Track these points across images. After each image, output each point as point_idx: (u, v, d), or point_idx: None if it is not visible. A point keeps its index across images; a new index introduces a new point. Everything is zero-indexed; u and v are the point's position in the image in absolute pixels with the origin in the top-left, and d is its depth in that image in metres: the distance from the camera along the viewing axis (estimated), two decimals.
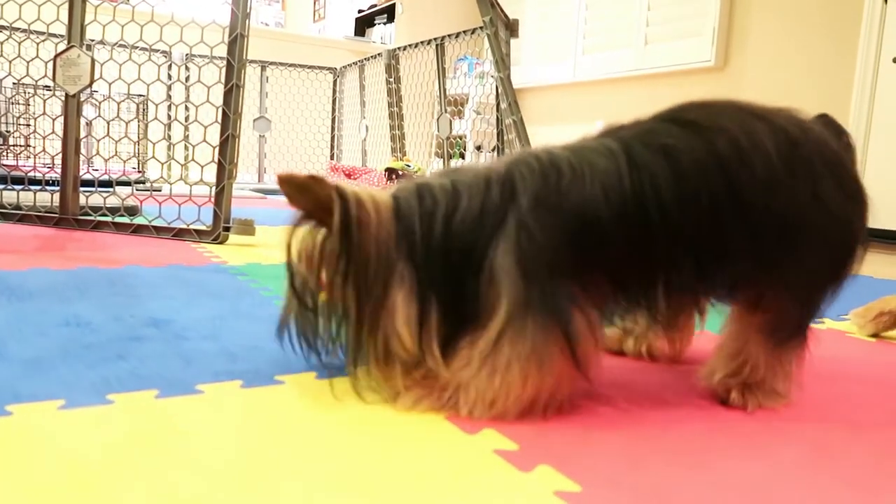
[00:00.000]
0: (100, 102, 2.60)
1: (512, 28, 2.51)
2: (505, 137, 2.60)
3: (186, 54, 2.89)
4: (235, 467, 0.48)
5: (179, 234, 1.68)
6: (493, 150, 2.96)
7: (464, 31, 3.06)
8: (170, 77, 3.27)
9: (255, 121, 4.07)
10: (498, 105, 2.56)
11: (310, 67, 4.25)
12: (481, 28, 2.47)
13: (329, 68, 4.32)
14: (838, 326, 1.06)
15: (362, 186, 0.62)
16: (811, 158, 0.65)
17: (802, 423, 0.64)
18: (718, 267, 0.65)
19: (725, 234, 0.63)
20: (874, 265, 1.97)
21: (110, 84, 1.83)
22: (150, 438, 0.52)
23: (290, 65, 4.18)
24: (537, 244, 0.60)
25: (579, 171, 0.62)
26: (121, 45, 1.88)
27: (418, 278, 0.61)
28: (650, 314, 0.67)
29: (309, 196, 0.61)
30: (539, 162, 0.63)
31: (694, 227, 0.63)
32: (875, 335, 1.01)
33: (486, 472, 0.49)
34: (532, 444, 0.55)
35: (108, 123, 1.89)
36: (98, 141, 2.11)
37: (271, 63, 4.14)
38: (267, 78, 4.16)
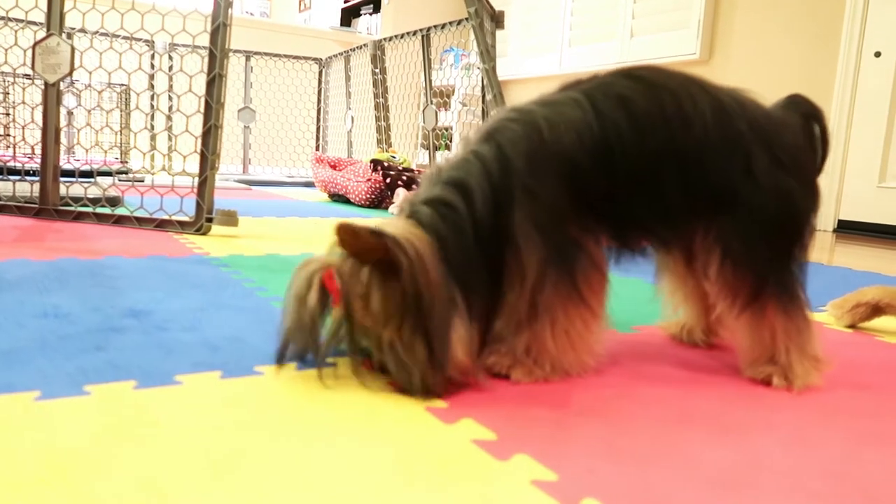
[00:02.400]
0: (80, 91, 2.57)
1: (498, 19, 2.51)
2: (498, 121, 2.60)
3: (169, 44, 2.86)
4: (212, 458, 0.48)
5: (161, 224, 1.66)
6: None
7: (450, 23, 3.05)
8: (153, 66, 3.23)
9: (239, 111, 4.04)
10: (483, 97, 2.56)
11: (295, 58, 4.22)
12: (467, 19, 2.46)
13: (314, 59, 4.29)
14: (816, 317, 1.07)
15: (393, 224, 0.63)
16: (742, 131, 0.69)
17: (779, 411, 0.65)
18: (665, 215, 0.71)
19: (668, 183, 0.69)
20: (852, 257, 1.99)
21: (91, 73, 1.81)
22: (127, 429, 0.52)
23: (275, 55, 4.15)
24: (541, 199, 0.66)
25: (555, 122, 0.68)
26: (101, 34, 1.86)
27: (465, 297, 0.63)
28: (628, 252, 0.74)
29: (360, 242, 0.61)
30: (518, 123, 0.68)
31: (646, 173, 0.69)
32: (852, 326, 1.03)
33: (464, 462, 0.50)
34: (510, 434, 0.55)
35: (89, 113, 1.87)
36: (79, 130, 2.09)
37: (256, 53, 4.10)
38: (252, 68, 4.12)
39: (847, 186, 2.75)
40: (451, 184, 0.66)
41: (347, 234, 0.61)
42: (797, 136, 0.75)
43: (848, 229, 2.75)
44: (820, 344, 0.73)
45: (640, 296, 1.16)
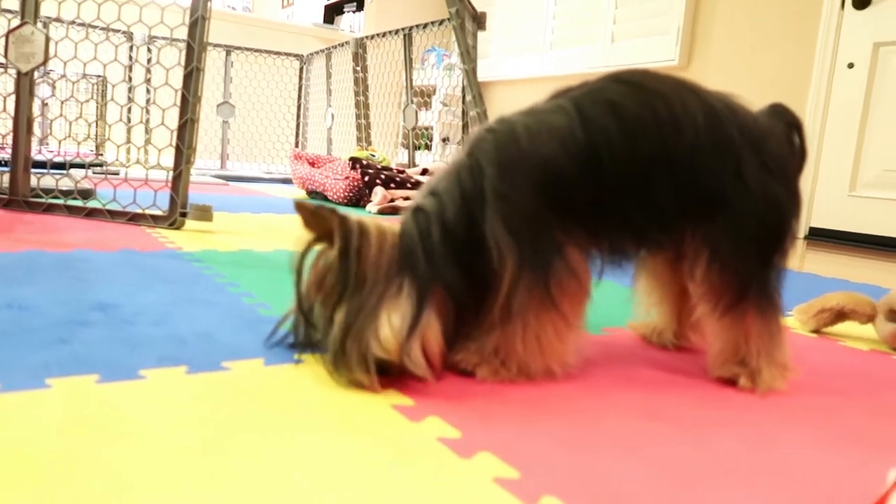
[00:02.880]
0: (55, 81, 2.53)
1: (479, 20, 2.51)
2: (470, 130, 2.61)
3: (148, 36, 2.83)
4: (172, 452, 0.47)
5: (134, 218, 1.65)
6: (458, 142, 2.97)
7: (432, 22, 3.05)
8: (130, 58, 3.19)
9: (218, 106, 4.00)
10: (464, 97, 2.56)
11: (276, 54, 4.19)
12: (449, 19, 2.46)
13: (296, 55, 4.27)
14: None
15: (375, 220, 0.67)
16: (733, 136, 0.70)
17: (742, 411, 0.66)
18: (660, 217, 0.72)
19: (660, 187, 0.70)
20: (819, 263, 2.03)
21: (66, 63, 1.78)
22: (86, 423, 0.51)
23: (256, 50, 4.12)
24: (515, 204, 0.66)
25: (536, 130, 0.68)
26: (78, 24, 1.83)
27: (418, 288, 0.65)
28: (615, 258, 0.74)
29: (320, 223, 0.66)
30: (494, 133, 0.70)
31: (638, 177, 0.69)
32: (816, 331, 1.05)
33: (427, 460, 0.50)
34: (474, 432, 0.55)
35: (63, 103, 1.84)
36: (52, 121, 2.06)
37: (237, 48, 4.07)
38: (232, 63, 4.09)
39: (819, 195, 2.80)
40: (431, 193, 0.70)
41: (306, 213, 0.65)
42: (782, 143, 0.76)
43: (819, 237, 2.80)
44: (789, 351, 0.74)
45: (611, 298, 1.17)
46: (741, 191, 0.70)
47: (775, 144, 0.74)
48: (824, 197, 2.78)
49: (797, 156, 0.79)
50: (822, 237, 2.79)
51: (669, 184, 0.70)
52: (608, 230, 0.72)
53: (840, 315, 1.02)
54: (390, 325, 0.63)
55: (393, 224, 0.68)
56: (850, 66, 2.74)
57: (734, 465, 0.53)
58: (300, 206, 0.65)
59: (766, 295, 0.72)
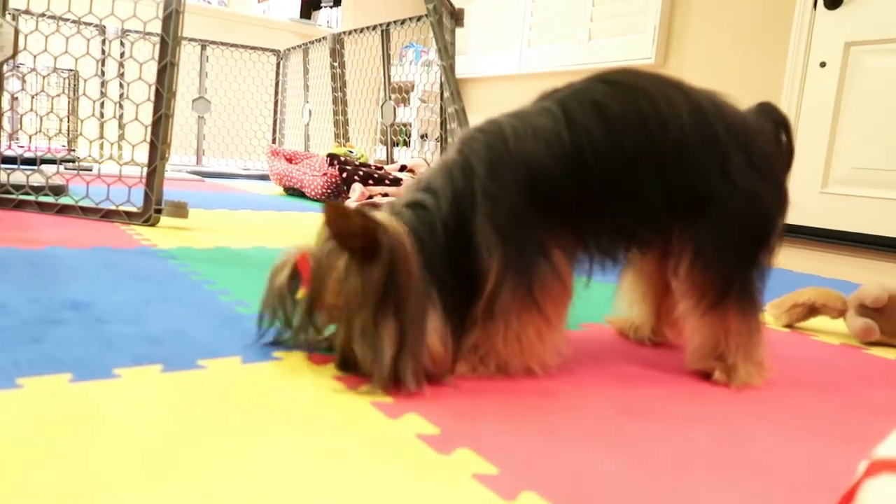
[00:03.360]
0: (24, 75, 2.48)
1: (457, 17, 2.51)
2: (448, 126, 2.61)
3: (121, 29, 2.78)
4: (148, 450, 0.47)
5: (108, 215, 1.62)
6: (437, 139, 2.96)
7: (410, 18, 3.04)
8: (103, 52, 3.14)
9: (194, 101, 3.95)
10: (442, 94, 2.56)
11: (252, 49, 4.15)
12: (427, 15, 2.46)
13: (273, 50, 4.23)
14: None
15: (386, 217, 0.64)
16: (720, 134, 0.70)
17: (715, 405, 0.67)
18: (643, 215, 0.72)
19: (647, 185, 0.70)
20: (792, 259, 2.06)
21: (35, 56, 1.75)
22: (59, 423, 0.50)
23: (233, 45, 4.08)
24: (502, 204, 0.67)
25: (522, 131, 0.69)
26: (49, 17, 1.79)
27: (440, 291, 0.65)
28: (601, 257, 0.74)
29: (347, 225, 0.61)
30: (484, 134, 0.70)
31: (622, 177, 0.69)
32: (789, 325, 1.06)
33: (406, 456, 0.50)
34: (453, 428, 0.55)
35: (34, 98, 1.80)
36: (22, 116, 2.02)
37: (212, 42, 4.02)
38: (207, 58, 4.04)
39: (792, 192, 2.84)
40: (425, 189, 0.69)
41: (336, 213, 0.62)
42: (770, 141, 0.77)
43: (792, 233, 2.85)
44: (766, 350, 0.75)
45: (590, 294, 1.18)
46: (727, 189, 0.70)
47: (763, 142, 0.74)
48: (797, 194, 2.81)
49: (785, 154, 0.80)
50: (796, 234, 2.84)
51: (656, 182, 0.70)
52: (595, 230, 0.72)
53: (812, 310, 1.04)
54: (437, 337, 0.63)
55: (397, 221, 0.65)
56: (823, 65, 2.79)
57: (708, 459, 0.54)
58: (332, 207, 0.62)
59: (747, 293, 0.72)
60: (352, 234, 0.61)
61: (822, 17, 2.79)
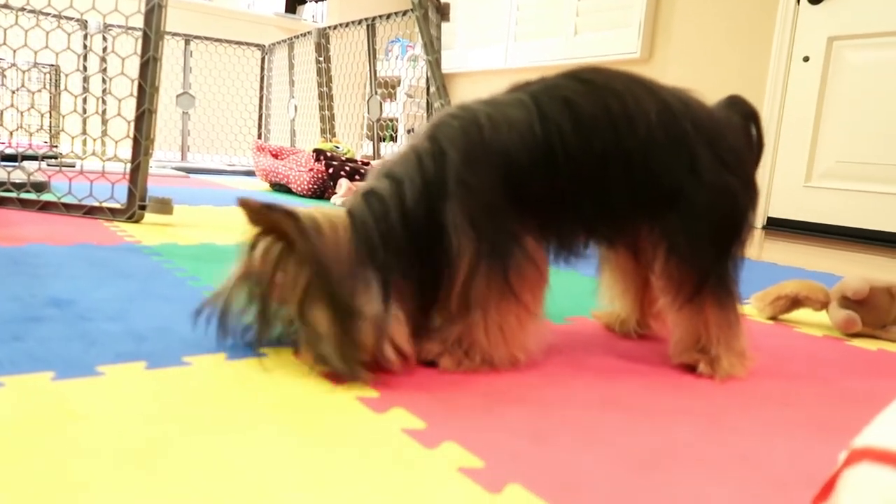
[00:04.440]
0: (4, 70, 2.44)
1: (443, 11, 2.50)
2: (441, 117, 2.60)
3: (103, 23, 2.75)
4: (132, 448, 0.46)
5: (91, 212, 1.60)
6: None
7: (395, 13, 3.03)
8: (85, 47, 3.11)
9: (178, 96, 3.92)
10: (428, 89, 2.55)
11: (237, 43, 4.11)
12: (412, 10, 2.45)
13: (257, 45, 4.20)
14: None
15: (318, 209, 0.66)
16: (687, 131, 0.71)
17: (699, 398, 0.67)
18: (610, 213, 0.73)
19: (613, 184, 0.71)
20: (776, 252, 2.08)
21: (15, 51, 1.72)
22: (41, 421, 0.50)
23: (217, 40, 4.04)
24: (477, 193, 0.66)
25: (496, 121, 0.69)
26: (28, 11, 1.77)
27: (382, 278, 0.64)
28: (565, 250, 0.74)
29: (266, 220, 0.64)
30: (459, 119, 0.69)
31: (590, 172, 0.70)
32: (773, 318, 1.07)
33: (392, 450, 0.50)
34: (439, 422, 0.55)
35: (14, 93, 1.78)
36: (2, 112, 1.99)
37: (196, 37, 3.98)
38: (191, 52, 4.00)
39: (776, 185, 2.87)
40: (386, 175, 0.68)
41: (248, 209, 0.64)
42: (738, 136, 0.77)
43: (776, 226, 2.87)
44: (746, 340, 0.76)
45: (575, 288, 1.18)
46: (696, 184, 0.71)
47: (731, 137, 0.75)
48: (781, 188, 2.85)
49: (754, 147, 0.81)
50: (780, 227, 2.86)
51: (624, 180, 0.71)
52: (559, 223, 0.72)
53: (795, 302, 1.05)
54: (367, 323, 0.63)
55: (338, 211, 0.67)
56: (806, 59, 2.81)
57: (692, 452, 0.54)
58: (244, 204, 0.64)
59: (723, 285, 0.73)
60: (271, 227, 0.63)
61: (806, 11, 2.81)
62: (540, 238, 0.71)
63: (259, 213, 0.64)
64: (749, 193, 0.75)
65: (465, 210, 0.66)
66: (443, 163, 0.67)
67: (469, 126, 0.69)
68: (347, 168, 2.57)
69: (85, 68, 3.12)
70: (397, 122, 4.34)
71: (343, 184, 2.46)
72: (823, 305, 1.03)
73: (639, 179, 0.71)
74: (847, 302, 1.00)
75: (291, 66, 3.98)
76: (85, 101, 3.18)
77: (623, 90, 0.71)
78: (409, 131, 4.30)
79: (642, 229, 0.74)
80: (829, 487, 0.34)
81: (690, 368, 0.75)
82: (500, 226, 0.67)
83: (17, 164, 1.73)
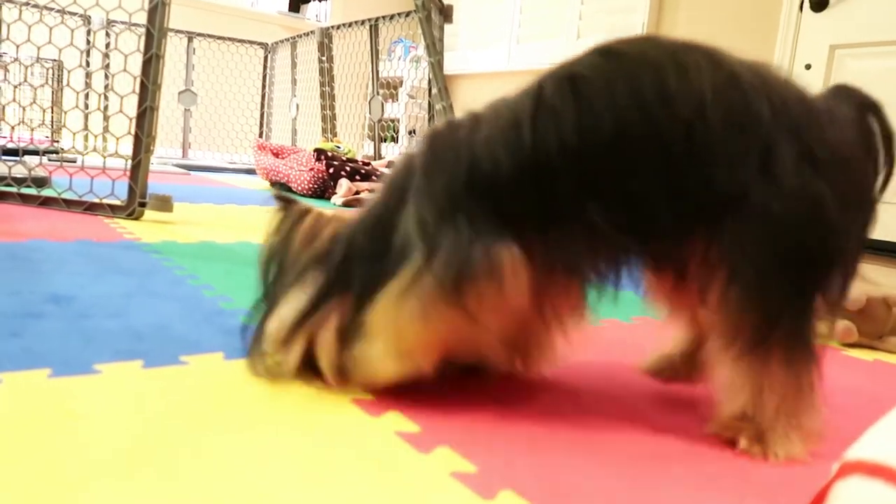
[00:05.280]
0: (7, 65, 2.44)
1: (446, 13, 2.51)
2: (435, 123, 2.60)
3: (106, 20, 2.75)
4: (127, 448, 0.47)
5: (91, 208, 1.61)
6: None
7: (398, 14, 3.03)
8: (88, 43, 3.11)
9: (180, 94, 3.92)
10: (430, 90, 2.56)
11: (240, 41, 4.12)
12: (415, 11, 2.45)
13: (260, 43, 4.20)
14: None
15: (333, 212, 0.67)
16: (761, 115, 0.53)
17: (691, 411, 0.67)
18: (637, 227, 0.56)
19: (645, 186, 0.55)
20: None
21: (18, 46, 1.73)
22: (38, 418, 0.50)
23: (220, 37, 4.04)
24: (431, 202, 0.59)
25: (484, 118, 0.61)
26: (32, 6, 1.77)
27: (324, 284, 0.62)
28: (591, 270, 0.60)
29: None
30: (445, 127, 0.64)
31: (598, 168, 0.55)
32: None
33: (385, 454, 0.50)
34: (433, 427, 0.56)
35: (16, 88, 1.78)
36: (4, 106, 1.99)
37: (199, 35, 3.99)
38: (194, 50, 4.00)
39: None
40: (377, 195, 0.68)
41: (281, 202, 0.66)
42: (845, 131, 0.57)
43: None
44: (819, 414, 0.57)
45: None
46: (769, 190, 0.53)
47: (830, 130, 0.55)
48: None
49: (872, 150, 0.59)
50: None
51: (653, 181, 0.54)
52: (562, 235, 0.57)
53: None
54: (279, 317, 0.62)
55: (339, 216, 0.67)
56: (808, 67, 2.81)
57: (685, 462, 0.55)
58: (280, 198, 0.66)
59: (798, 336, 0.55)
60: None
61: (808, 20, 2.81)
62: (531, 250, 0.57)
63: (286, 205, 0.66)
64: (852, 208, 0.55)
65: (418, 218, 0.59)
66: (409, 174, 0.63)
67: (450, 126, 0.63)
68: (348, 168, 2.58)
69: (88, 64, 3.12)
70: (399, 122, 4.35)
71: (343, 184, 2.46)
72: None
73: (681, 179, 0.54)
74: (844, 312, 1.00)
75: (294, 65, 3.98)
76: (87, 97, 3.18)
77: (664, 62, 0.55)
78: (410, 132, 4.31)
79: (690, 249, 0.57)
80: (819, 499, 0.35)
81: (730, 442, 0.58)
82: (460, 234, 0.57)
83: (18, 158, 1.73)
